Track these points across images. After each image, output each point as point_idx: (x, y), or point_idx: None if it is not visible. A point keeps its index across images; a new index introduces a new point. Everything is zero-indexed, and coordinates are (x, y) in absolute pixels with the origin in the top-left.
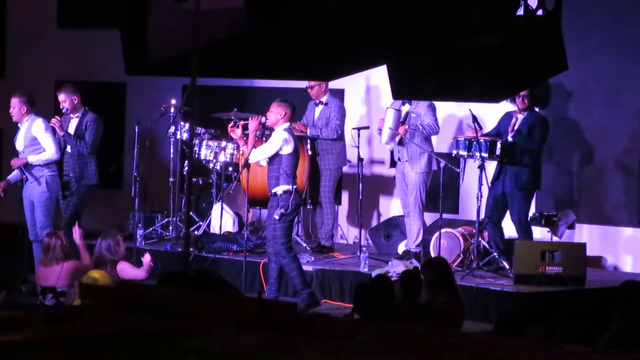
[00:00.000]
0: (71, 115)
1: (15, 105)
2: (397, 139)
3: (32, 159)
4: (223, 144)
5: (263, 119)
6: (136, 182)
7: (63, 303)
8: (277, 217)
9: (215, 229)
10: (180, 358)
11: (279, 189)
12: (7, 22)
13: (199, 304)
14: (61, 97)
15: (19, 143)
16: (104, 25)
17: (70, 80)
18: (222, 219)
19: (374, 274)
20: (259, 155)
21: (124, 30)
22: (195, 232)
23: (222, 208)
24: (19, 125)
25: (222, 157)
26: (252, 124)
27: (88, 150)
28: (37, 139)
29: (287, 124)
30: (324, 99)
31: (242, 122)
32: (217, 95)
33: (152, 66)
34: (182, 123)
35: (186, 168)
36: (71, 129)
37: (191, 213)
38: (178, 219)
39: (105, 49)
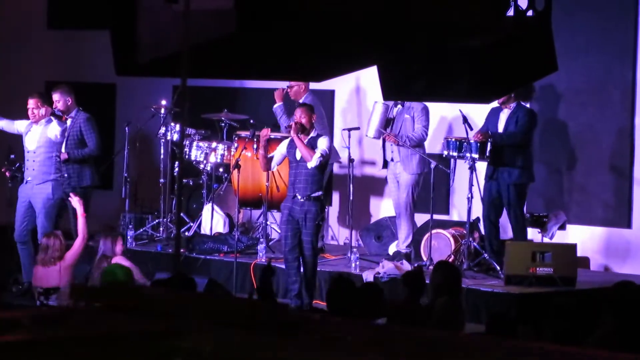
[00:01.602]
0: (64, 116)
1: (33, 106)
2: (385, 136)
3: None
4: (213, 144)
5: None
6: (126, 183)
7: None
8: (321, 222)
9: (205, 230)
10: (169, 359)
11: (316, 195)
12: None
13: (189, 304)
14: (55, 96)
15: (31, 142)
16: (94, 26)
17: (60, 81)
18: (212, 220)
19: (364, 275)
20: (321, 157)
21: (114, 30)
22: (186, 233)
23: (212, 209)
24: (33, 124)
25: (213, 158)
26: (295, 129)
27: (96, 150)
28: (52, 141)
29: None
30: (301, 100)
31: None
32: (207, 96)
33: (142, 67)
34: (172, 124)
35: (177, 169)
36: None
37: (182, 214)
38: (168, 220)
39: (95, 49)
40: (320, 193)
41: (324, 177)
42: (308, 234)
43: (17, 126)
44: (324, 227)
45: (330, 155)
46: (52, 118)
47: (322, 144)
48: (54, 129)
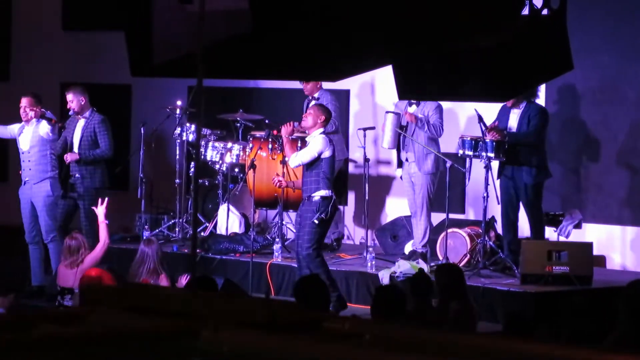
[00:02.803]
0: (78, 116)
1: (25, 105)
2: (407, 119)
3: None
4: (229, 145)
5: (296, 124)
6: (142, 184)
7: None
8: (316, 221)
9: (221, 230)
10: (186, 359)
11: (318, 194)
12: (12, 24)
13: (205, 304)
14: (69, 96)
15: (25, 143)
16: (109, 27)
17: (75, 82)
18: (228, 220)
19: (380, 274)
20: (300, 159)
21: (129, 31)
22: (202, 234)
23: (228, 209)
24: (25, 125)
25: (228, 158)
26: (286, 129)
27: (109, 153)
28: (44, 139)
29: (322, 129)
30: (316, 95)
31: (274, 131)
32: (222, 96)
33: (157, 67)
34: (187, 124)
35: (192, 169)
36: (78, 130)
37: (198, 214)
38: (184, 221)
39: (110, 50)
40: (325, 192)
41: (330, 175)
42: (304, 232)
43: (11, 130)
44: (339, 226)
45: (320, 157)
46: (45, 122)
47: (310, 145)
48: (44, 127)
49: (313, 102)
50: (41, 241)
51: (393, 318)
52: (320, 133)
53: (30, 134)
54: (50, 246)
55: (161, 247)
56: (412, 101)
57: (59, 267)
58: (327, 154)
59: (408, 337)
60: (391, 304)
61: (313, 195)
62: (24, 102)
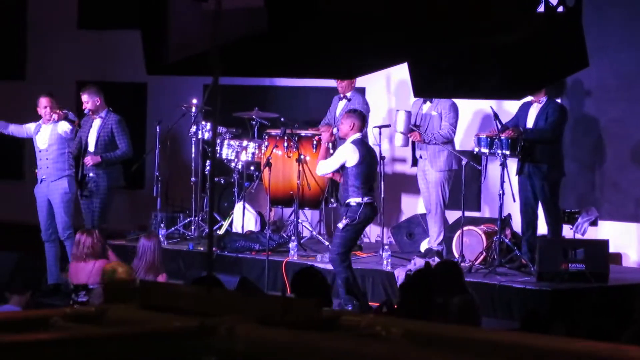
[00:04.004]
0: (93, 116)
1: (48, 105)
2: (412, 139)
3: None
4: (244, 143)
5: (335, 130)
6: (158, 182)
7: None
8: (340, 226)
9: (237, 228)
10: (203, 357)
11: (351, 201)
12: (28, 23)
13: (222, 302)
14: (84, 97)
15: (42, 142)
16: (125, 26)
17: (91, 81)
18: (244, 218)
19: (396, 272)
20: (324, 168)
21: (145, 29)
22: (217, 232)
23: (244, 207)
24: (42, 123)
25: (244, 157)
26: (325, 135)
27: (129, 153)
28: (62, 138)
29: (357, 135)
30: (348, 94)
31: (317, 137)
32: (238, 94)
33: (173, 66)
34: (203, 122)
35: (208, 167)
36: (94, 130)
37: (213, 212)
38: (200, 219)
39: (126, 49)
40: (354, 200)
41: (359, 182)
42: (334, 236)
43: (27, 129)
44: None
45: (344, 165)
46: (65, 121)
47: (335, 154)
48: (63, 126)
49: (344, 101)
50: (57, 239)
51: (421, 311)
52: (353, 140)
53: (48, 132)
54: (67, 243)
55: (160, 244)
56: (426, 99)
57: (70, 263)
58: (351, 162)
59: (428, 333)
60: (420, 296)
61: (346, 202)
62: (45, 102)
